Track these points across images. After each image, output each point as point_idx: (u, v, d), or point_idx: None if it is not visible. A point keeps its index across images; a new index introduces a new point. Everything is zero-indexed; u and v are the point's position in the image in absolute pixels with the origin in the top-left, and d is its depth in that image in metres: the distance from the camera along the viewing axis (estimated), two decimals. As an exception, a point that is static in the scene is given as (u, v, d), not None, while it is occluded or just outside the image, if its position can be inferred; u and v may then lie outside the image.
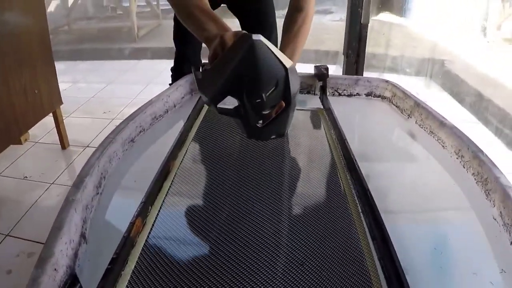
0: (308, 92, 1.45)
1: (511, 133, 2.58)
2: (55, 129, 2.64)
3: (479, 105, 3.02)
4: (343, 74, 2.32)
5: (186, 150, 1.04)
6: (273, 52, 0.75)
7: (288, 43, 1.12)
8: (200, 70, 0.92)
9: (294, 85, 0.81)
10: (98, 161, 0.89)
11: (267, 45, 0.73)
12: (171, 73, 1.91)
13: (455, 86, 3.39)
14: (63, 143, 2.62)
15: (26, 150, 2.66)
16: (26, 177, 2.38)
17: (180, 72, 1.77)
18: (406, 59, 3.76)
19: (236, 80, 0.76)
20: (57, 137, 2.64)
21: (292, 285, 0.64)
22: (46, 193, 2.23)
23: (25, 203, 2.14)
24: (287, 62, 0.77)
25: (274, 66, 0.76)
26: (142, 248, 0.71)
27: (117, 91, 3.86)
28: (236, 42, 0.77)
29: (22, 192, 2.25)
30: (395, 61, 3.73)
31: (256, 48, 0.71)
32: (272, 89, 0.77)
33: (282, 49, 1.10)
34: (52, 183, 2.31)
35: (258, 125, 0.86)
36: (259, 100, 0.77)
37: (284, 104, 0.83)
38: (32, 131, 2.73)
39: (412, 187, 0.95)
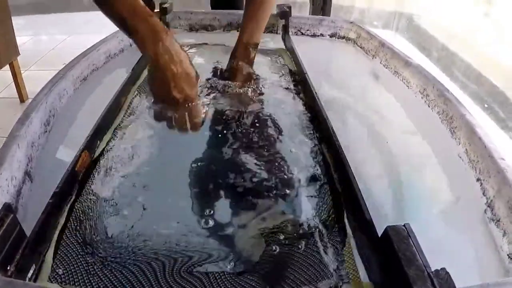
0: (270, 32, 1.40)
1: (476, 88, 2.60)
2: (13, 84, 2.52)
3: (446, 60, 3.02)
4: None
5: (139, 86, 1.00)
6: None
7: (251, 17, 1.03)
8: None
9: None
10: (46, 98, 0.84)
11: None
12: None
13: (423, 41, 3.38)
14: (22, 96, 2.51)
15: (-17, 107, 2.54)
16: (-17, 132, 2.28)
17: None
18: (375, 11, 3.72)
19: None
20: (15, 91, 2.53)
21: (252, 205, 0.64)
22: (5, 147, 2.14)
23: (-17, 159, 2.05)
24: None
25: None
26: (88, 182, 0.68)
27: (79, 42, 3.63)
28: None
29: (-20, 148, 2.16)
30: (363, 14, 3.69)
31: None
32: None
33: (244, 24, 1.04)
34: (11, 136, 2.22)
35: None
36: None
37: None
38: (-11, 88, 2.62)
39: (373, 128, 0.93)
